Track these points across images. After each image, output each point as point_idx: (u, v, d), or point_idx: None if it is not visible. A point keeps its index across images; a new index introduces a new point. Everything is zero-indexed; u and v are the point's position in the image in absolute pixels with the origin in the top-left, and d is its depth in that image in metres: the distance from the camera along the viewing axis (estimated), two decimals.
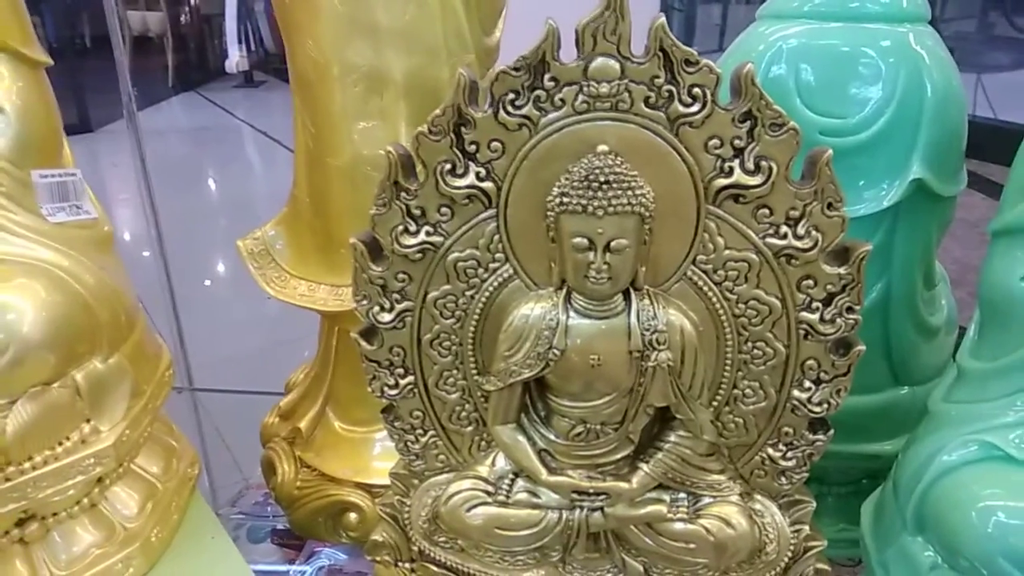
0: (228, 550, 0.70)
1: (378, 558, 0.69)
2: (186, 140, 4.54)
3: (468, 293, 0.60)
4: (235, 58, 6.58)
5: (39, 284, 0.58)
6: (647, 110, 0.53)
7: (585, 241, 0.54)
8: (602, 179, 0.53)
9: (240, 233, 0.91)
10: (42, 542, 0.62)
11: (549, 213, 0.55)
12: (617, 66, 0.53)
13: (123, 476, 0.67)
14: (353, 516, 0.87)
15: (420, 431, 0.65)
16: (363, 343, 0.63)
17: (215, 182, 3.82)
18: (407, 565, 0.68)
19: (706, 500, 0.61)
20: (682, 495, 0.61)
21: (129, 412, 0.65)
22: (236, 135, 4.87)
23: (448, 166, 0.56)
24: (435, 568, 0.67)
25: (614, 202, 0.53)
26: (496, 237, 0.58)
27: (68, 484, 0.60)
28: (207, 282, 2.37)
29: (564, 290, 0.58)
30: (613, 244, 0.54)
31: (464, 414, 0.64)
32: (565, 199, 0.54)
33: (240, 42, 6.27)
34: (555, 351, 0.57)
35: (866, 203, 0.72)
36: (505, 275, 0.59)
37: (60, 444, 0.60)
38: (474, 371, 0.62)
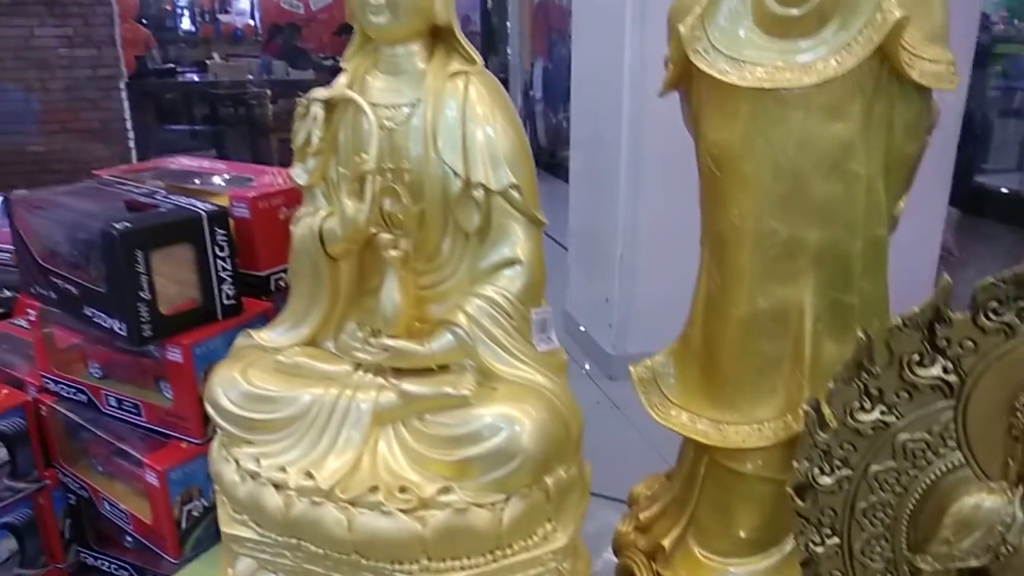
0: None
1: None
2: None
3: (912, 472, 0.64)
4: None
5: (537, 404, 0.73)
6: None
7: None
8: None
9: None
10: None
11: (1020, 415, 0.58)
12: None
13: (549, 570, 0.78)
14: None
15: None
16: (796, 499, 0.69)
17: None
18: None
19: None
20: None
21: (577, 516, 0.77)
22: None
23: (916, 357, 0.62)
24: None
25: None
26: (951, 426, 0.62)
27: (531, 573, 0.73)
28: None
29: (1021, 488, 0.60)
30: None
31: None
32: None
33: None
34: (1008, 547, 0.59)
35: None
36: (954, 462, 0.63)
37: (531, 538, 0.73)
38: (904, 546, 0.66)
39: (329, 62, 6.76)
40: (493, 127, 0.77)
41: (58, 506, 1.09)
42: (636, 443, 1.78)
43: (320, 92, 0.77)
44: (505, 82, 6.38)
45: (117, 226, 0.84)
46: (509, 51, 6.69)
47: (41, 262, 0.98)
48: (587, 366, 2.51)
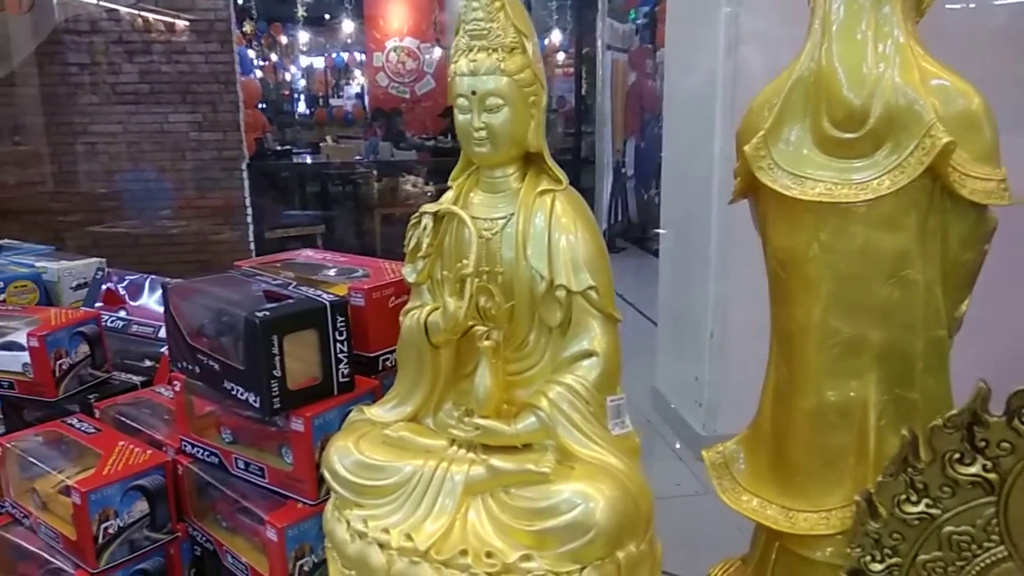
0: None
1: None
2: None
3: (958, 563, 0.69)
4: (602, 227, 7.34)
5: (609, 483, 0.81)
6: None
7: None
8: None
9: None
10: None
11: None
12: None
13: None
14: None
15: None
16: None
17: None
18: None
19: None
20: None
21: None
22: None
23: (957, 455, 0.68)
24: None
25: None
26: (994, 521, 0.68)
27: None
28: None
29: None
30: None
31: None
32: None
33: (610, 213, 7.02)
34: None
35: None
36: (998, 556, 0.68)
37: None
38: None
39: (431, 143, 7.17)
40: (575, 236, 0.89)
41: (186, 557, 1.23)
42: (721, 525, 1.81)
43: (430, 207, 0.91)
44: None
45: (258, 314, 0.99)
46: (603, 130, 6.93)
47: (189, 341, 1.14)
48: (677, 445, 2.52)
